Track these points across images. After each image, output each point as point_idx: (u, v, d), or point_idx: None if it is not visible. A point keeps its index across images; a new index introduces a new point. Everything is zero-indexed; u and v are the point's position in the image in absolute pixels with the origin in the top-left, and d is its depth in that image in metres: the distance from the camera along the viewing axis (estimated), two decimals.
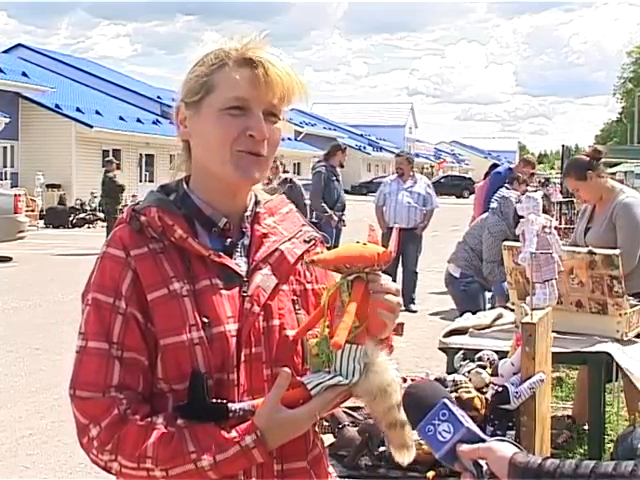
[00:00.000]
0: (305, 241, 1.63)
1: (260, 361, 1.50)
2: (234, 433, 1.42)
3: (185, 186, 1.59)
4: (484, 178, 11.87)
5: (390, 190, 10.43)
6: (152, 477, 1.44)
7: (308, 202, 10.80)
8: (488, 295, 7.24)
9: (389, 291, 1.47)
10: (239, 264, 1.55)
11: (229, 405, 1.44)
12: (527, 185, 9.21)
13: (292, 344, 1.53)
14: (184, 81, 1.57)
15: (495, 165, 12.47)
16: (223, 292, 1.50)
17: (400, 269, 10.42)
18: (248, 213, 1.60)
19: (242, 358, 1.49)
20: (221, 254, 1.53)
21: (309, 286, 1.61)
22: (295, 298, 1.58)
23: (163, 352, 1.47)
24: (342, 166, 11.27)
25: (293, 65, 1.56)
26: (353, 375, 1.45)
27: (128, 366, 1.47)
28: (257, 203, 1.63)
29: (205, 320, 1.47)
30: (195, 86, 1.54)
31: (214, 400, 1.44)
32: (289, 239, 1.60)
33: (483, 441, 1.36)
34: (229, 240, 1.56)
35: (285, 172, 11.03)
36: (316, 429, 1.63)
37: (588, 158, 5.09)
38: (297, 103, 1.59)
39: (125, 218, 1.54)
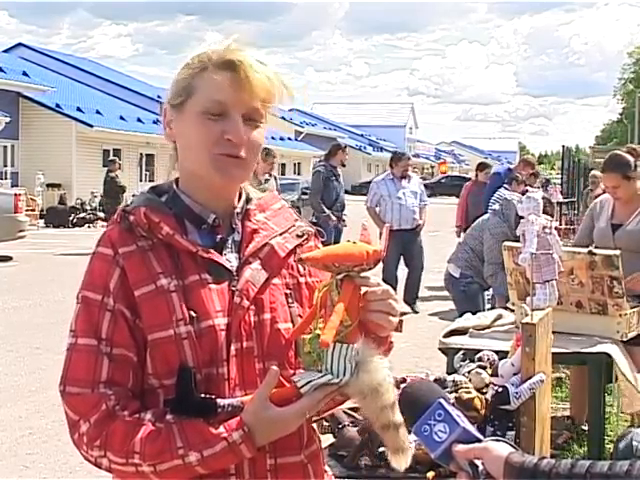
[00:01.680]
0: (298, 235, 1.64)
1: (252, 355, 1.51)
2: (221, 429, 1.43)
3: (175, 187, 1.62)
4: (475, 177, 11.85)
5: (389, 192, 10.19)
6: (140, 472, 1.45)
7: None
8: (488, 295, 7.25)
9: (384, 296, 1.48)
10: (230, 260, 1.56)
11: (218, 401, 1.45)
12: (526, 185, 9.22)
13: (284, 338, 1.54)
14: (171, 83, 1.60)
15: (483, 164, 12.34)
16: (212, 287, 1.52)
17: (399, 269, 10.38)
18: (238, 210, 1.62)
19: (232, 352, 1.50)
20: (210, 250, 1.54)
21: (302, 279, 1.62)
22: (288, 292, 1.59)
23: (151, 347, 1.49)
24: (343, 165, 11.17)
25: (277, 66, 1.58)
26: (344, 374, 1.44)
27: (117, 362, 1.49)
28: (248, 200, 1.64)
29: (193, 314, 1.48)
30: (178, 89, 1.57)
31: (202, 396, 1.45)
32: (280, 234, 1.62)
33: (479, 441, 1.36)
34: (219, 236, 1.58)
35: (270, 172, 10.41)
36: (314, 426, 1.64)
37: (632, 157, 5.03)
38: (280, 105, 1.61)
39: (116, 218, 1.57)
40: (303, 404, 1.45)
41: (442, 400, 1.38)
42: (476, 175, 11.94)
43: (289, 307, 1.57)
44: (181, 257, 1.52)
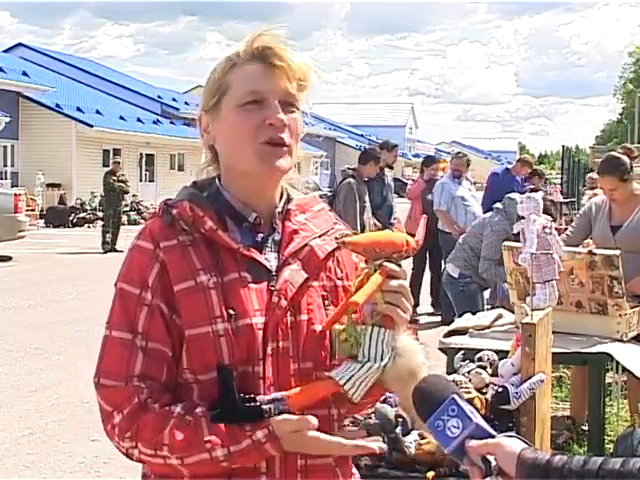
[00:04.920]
0: (336, 238, 1.63)
1: (287, 355, 1.52)
2: (247, 426, 1.44)
3: (218, 183, 1.62)
4: (420, 175, 10.84)
5: (462, 194, 9.36)
6: (169, 465, 1.46)
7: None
8: (487, 295, 7.25)
9: (399, 289, 1.48)
10: (269, 259, 1.56)
11: (263, 407, 1.44)
12: (538, 191, 9.07)
13: (320, 339, 1.54)
14: (202, 94, 1.62)
15: (430, 158, 11.45)
16: (251, 286, 1.52)
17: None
18: (279, 209, 1.62)
19: (269, 351, 1.50)
20: (250, 248, 1.54)
21: (339, 282, 1.62)
22: (325, 294, 1.59)
23: (188, 343, 1.49)
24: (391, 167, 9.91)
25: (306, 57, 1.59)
26: (382, 359, 1.44)
27: (151, 357, 1.50)
28: (289, 201, 1.65)
29: (231, 312, 1.49)
30: (211, 92, 1.58)
31: (246, 402, 1.44)
32: (320, 236, 1.62)
33: (492, 437, 1.36)
34: (260, 235, 1.58)
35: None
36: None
37: (628, 158, 5.03)
38: (314, 86, 1.61)
39: (158, 212, 1.57)
40: (337, 447, 1.47)
41: (456, 396, 1.38)
42: (422, 170, 10.82)
43: (325, 309, 1.57)
44: (221, 254, 1.52)
